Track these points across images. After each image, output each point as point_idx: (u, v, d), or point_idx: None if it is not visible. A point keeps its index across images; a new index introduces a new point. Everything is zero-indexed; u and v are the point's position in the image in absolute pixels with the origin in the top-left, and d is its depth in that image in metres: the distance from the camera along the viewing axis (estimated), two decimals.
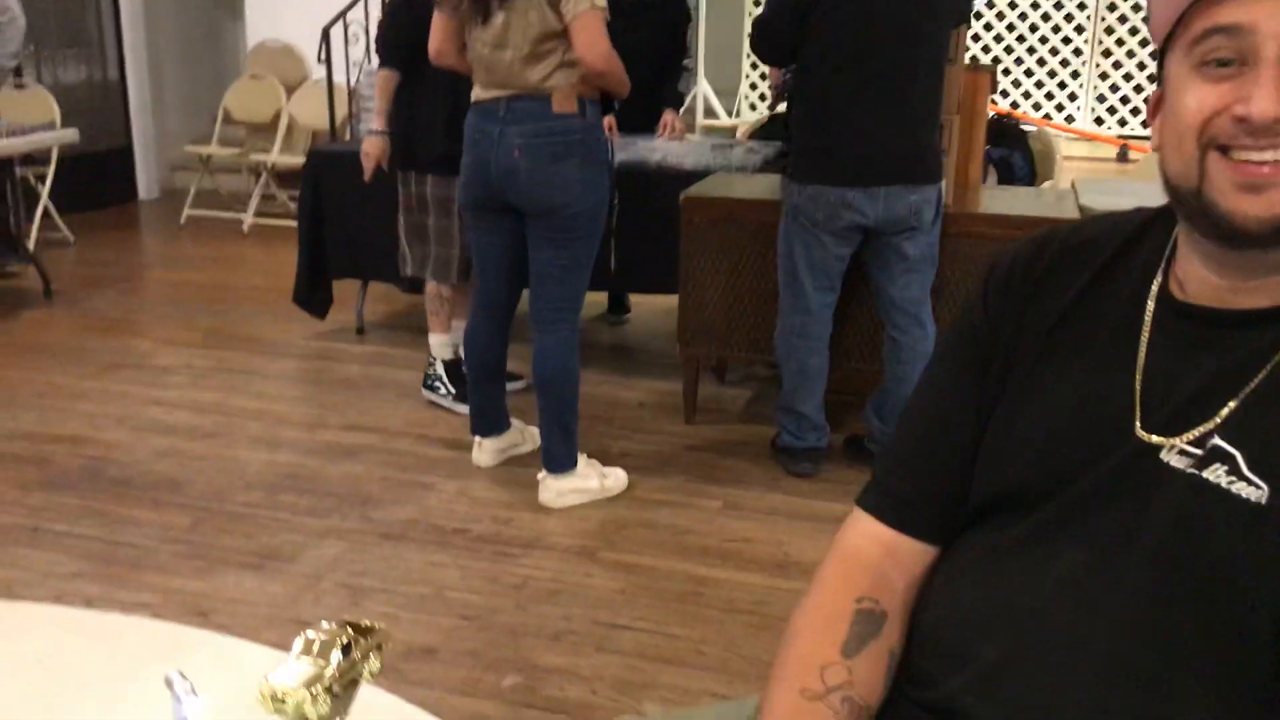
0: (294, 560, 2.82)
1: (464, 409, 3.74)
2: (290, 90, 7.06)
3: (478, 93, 2.96)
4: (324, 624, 0.82)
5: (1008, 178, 4.43)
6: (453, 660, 2.40)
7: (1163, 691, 0.89)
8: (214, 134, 7.23)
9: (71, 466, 3.36)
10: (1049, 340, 1.03)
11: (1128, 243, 1.03)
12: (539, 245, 2.99)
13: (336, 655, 0.79)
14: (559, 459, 3.10)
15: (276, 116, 7.02)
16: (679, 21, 4.59)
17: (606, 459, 3.34)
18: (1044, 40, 7.25)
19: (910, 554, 1.08)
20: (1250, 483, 0.87)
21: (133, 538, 2.92)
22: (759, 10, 3.75)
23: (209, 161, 7.16)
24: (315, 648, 0.79)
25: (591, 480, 3.16)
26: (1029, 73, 7.15)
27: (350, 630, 0.81)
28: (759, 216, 3.51)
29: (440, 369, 3.86)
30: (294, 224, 4.51)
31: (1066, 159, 4.98)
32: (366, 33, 6.07)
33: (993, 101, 6.90)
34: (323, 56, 5.21)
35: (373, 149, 3.69)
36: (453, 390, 3.83)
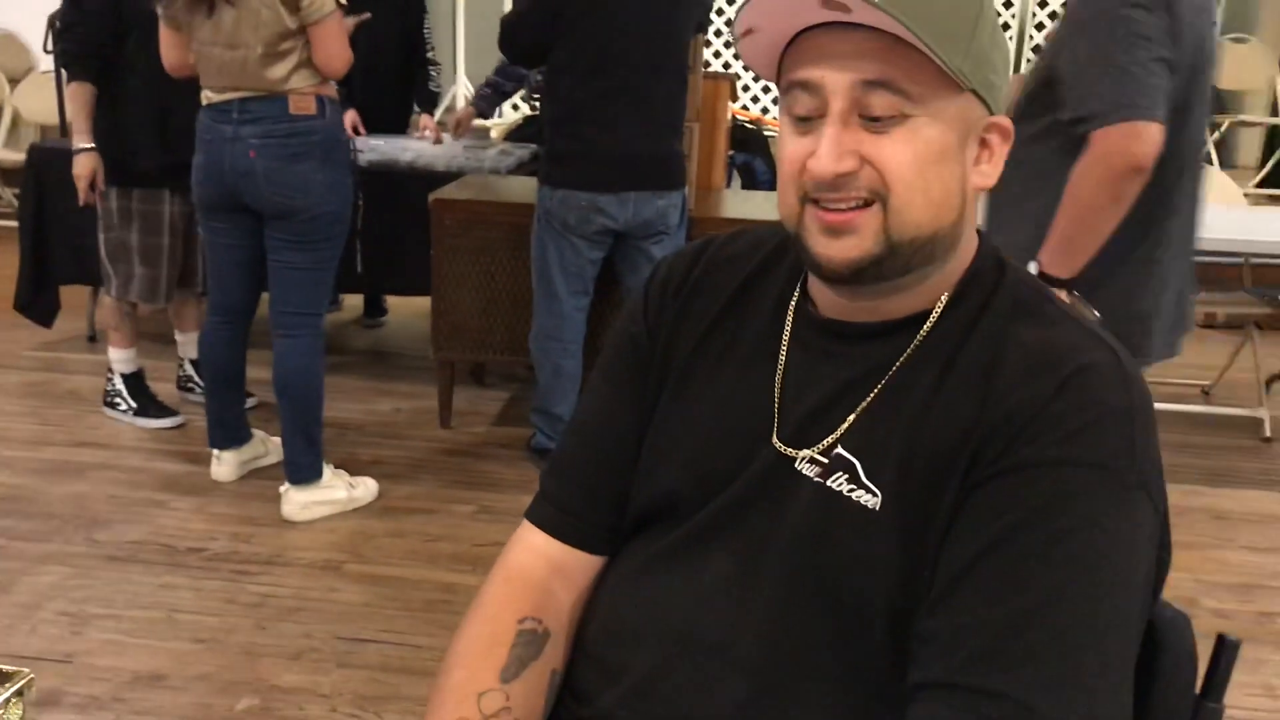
0: (8, 590, 2.61)
1: (146, 423, 3.61)
2: (14, 81, 6.57)
3: (209, 95, 2.83)
4: None
5: (750, 183, 4.58)
6: (183, 686, 2.29)
7: (796, 695, 0.93)
8: None
9: None
10: (698, 349, 1.05)
11: (772, 255, 1.07)
12: (278, 248, 2.89)
13: None
14: (302, 470, 3.00)
15: None
16: (413, 12, 4.45)
17: (356, 468, 3.26)
18: None
19: (576, 567, 1.08)
20: (867, 490, 0.92)
21: None
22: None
23: None
24: None
25: (338, 491, 3.08)
26: None
27: None
28: (511, 219, 3.50)
29: (119, 384, 3.67)
30: (18, 225, 4.19)
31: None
32: None
33: (744, 108, 7.12)
34: (49, 46, 4.87)
35: (84, 168, 3.35)
36: (134, 405, 3.65)
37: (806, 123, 0.91)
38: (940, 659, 0.85)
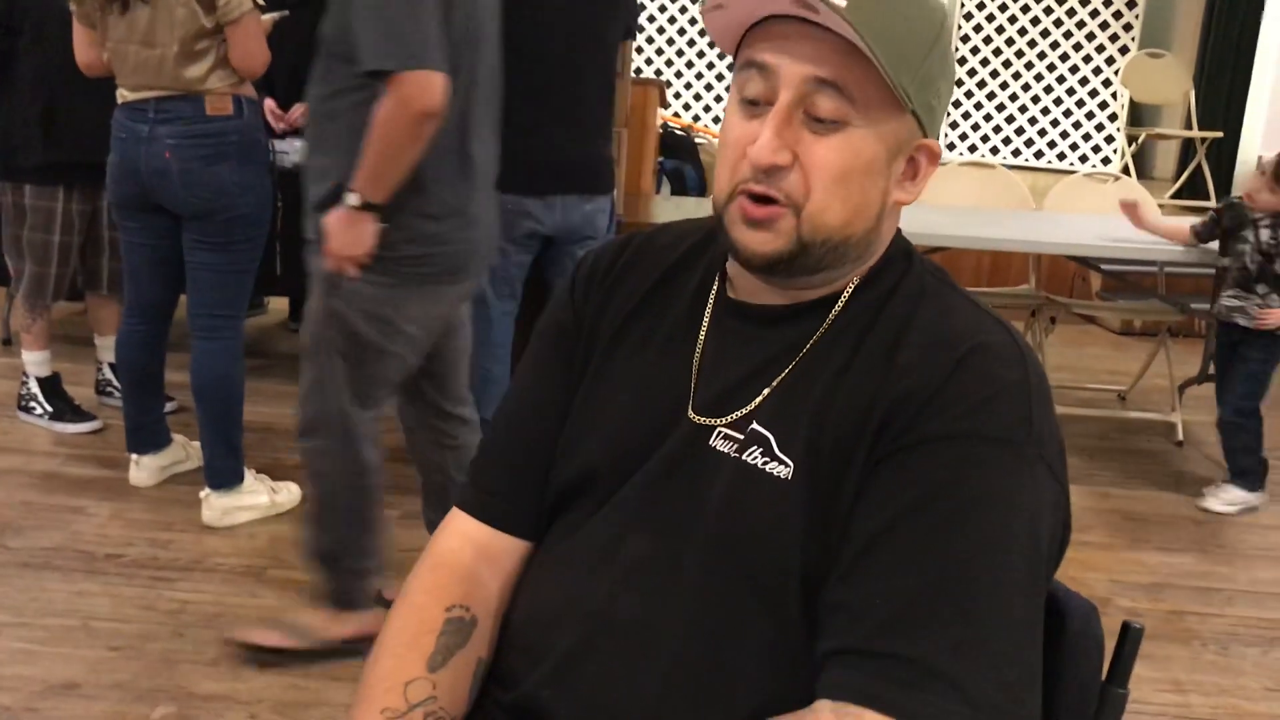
0: None
1: (62, 428, 3.54)
2: None
3: (124, 94, 2.78)
4: None
5: (680, 188, 4.62)
6: (97, 694, 2.23)
7: (719, 669, 0.94)
8: None
9: None
10: (620, 333, 1.08)
11: (694, 247, 1.11)
12: (195, 248, 2.85)
13: None
14: (223, 474, 2.95)
15: None
16: None
17: (279, 473, 3.21)
18: (722, 56, 7.62)
19: (504, 551, 1.09)
20: (781, 461, 0.95)
21: None
22: None
23: None
24: None
25: (260, 496, 3.03)
26: (709, 87, 7.47)
27: None
28: None
29: (34, 386, 3.58)
30: None
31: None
32: None
33: (675, 115, 7.17)
34: None
35: None
36: (49, 409, 3.56)
37: (754, 106, 0.94)
38: (849, 627, 0.88)
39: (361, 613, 2.33)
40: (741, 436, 0.97)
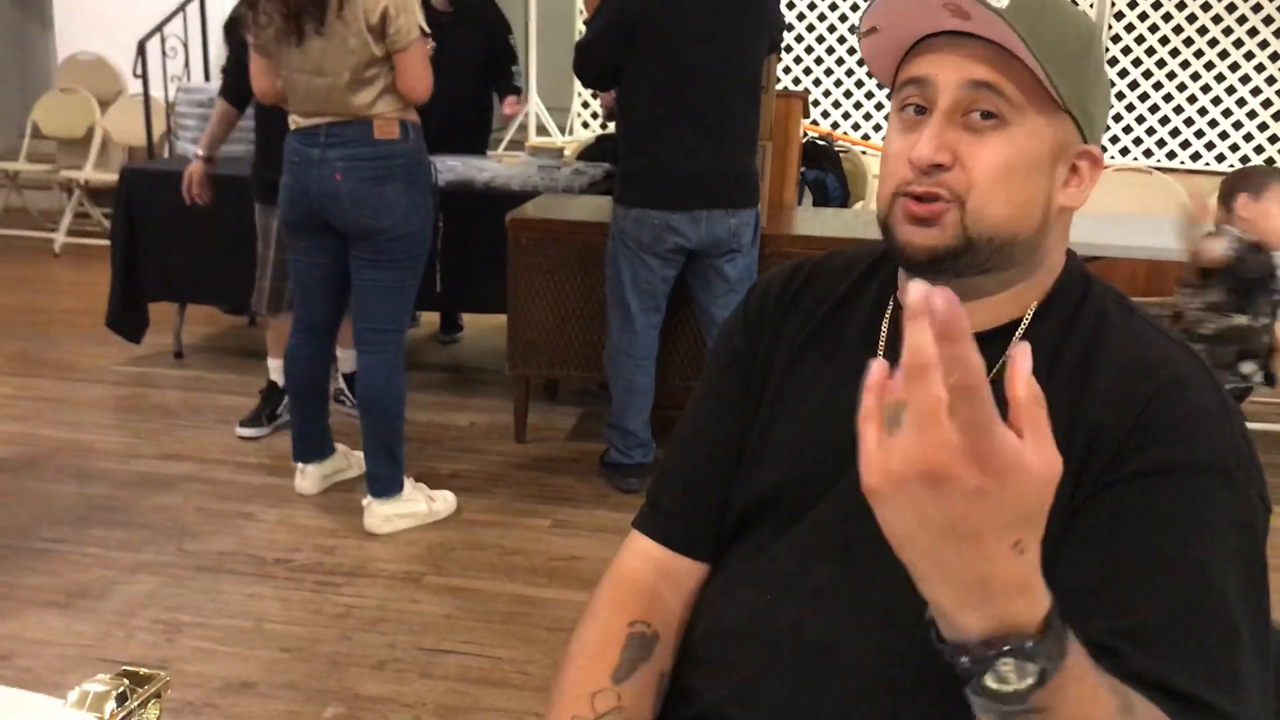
0: (104, 597, 2.71)
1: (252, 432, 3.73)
2: (104, 104, 6.79)
3: (297, 120, 2.92)
4: (99, 676, 0.81)
5: (822, 199, 4.59)
6: (272, 694, 2.35)
7: (902, 695, 0.95)
8: (22, 149, 6.89)
9: None
10: (797, 359, 1.10)
11: (866, 270, 1.12)
12: (361, 266, 2.97)
13: (111, 706, 0.78)
14: (384, 483, 3.07)
15: (90, 131, 6.74)
16: (498, 32, 4.65)
17: (435, 481, 3.32)
18: (861, 63, 7.54)
19: (683, 572, 1.12)
20: None
21: None
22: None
23: (16, 178, 6.82)
24: (89, 700, 0.78)
25: (419, 504, 3.14)
26: (848, 94, 7.41)
27: (127, 680, 0.80)
28: (585, 238, 3.56)
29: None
30: (109, 244, 4.35)
31: (878, 177, 5.19)
32: (185, 46, 5.90)
33: (814, 123, 7.12)
34: (138, 70, 5.04)
35: (189, 173, 3.70)
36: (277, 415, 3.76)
37: (915, 116, 0.97)
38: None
39: None
40: None
